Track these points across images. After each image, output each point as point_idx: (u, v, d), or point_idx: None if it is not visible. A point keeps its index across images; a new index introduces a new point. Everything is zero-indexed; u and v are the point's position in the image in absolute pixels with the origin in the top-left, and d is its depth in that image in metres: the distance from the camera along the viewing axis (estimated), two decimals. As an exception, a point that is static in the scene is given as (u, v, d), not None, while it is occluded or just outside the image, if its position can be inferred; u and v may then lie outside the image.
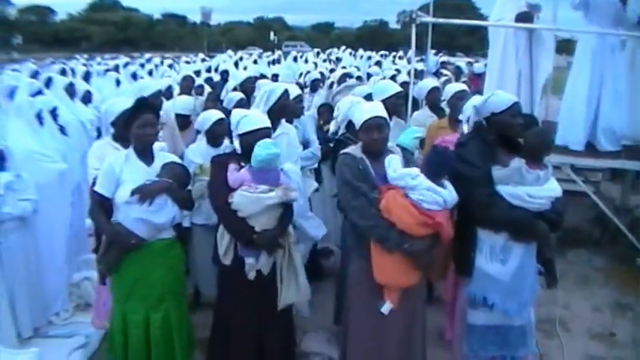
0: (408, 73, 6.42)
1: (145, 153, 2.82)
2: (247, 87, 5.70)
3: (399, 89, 3.88)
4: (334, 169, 2.87)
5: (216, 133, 3.64)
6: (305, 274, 2.95)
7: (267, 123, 2.90)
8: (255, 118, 2.88)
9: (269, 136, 2.88)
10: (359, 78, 7.72)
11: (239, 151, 2.90)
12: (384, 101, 3.37)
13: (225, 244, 2.81)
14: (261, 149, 2.75)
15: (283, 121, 3.42)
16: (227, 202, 2.73)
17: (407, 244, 2.51)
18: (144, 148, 2.81)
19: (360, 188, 2.60)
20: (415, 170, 2.60)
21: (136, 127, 2.74)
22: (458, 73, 9.64)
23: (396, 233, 2.52)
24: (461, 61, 14.36)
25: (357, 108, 2.81)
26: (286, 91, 3.38)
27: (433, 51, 11.62)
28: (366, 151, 2.74)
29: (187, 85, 5.52)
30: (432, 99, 4.71)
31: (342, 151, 2.80)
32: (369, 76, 8.45)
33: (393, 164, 2.62)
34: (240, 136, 2.88)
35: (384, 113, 2.74)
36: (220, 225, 2.84)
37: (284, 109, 3.36)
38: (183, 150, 3.93)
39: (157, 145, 2.89)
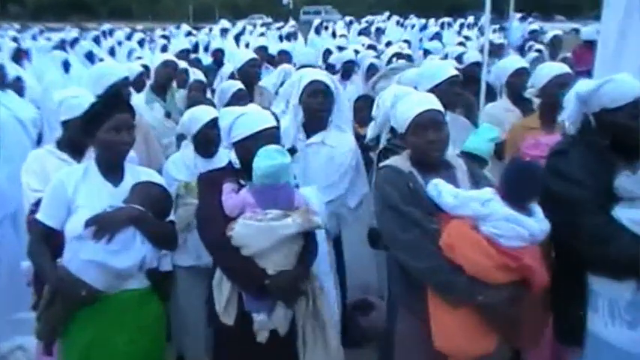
0: (481, 50, 6.45)
1: (114, 168, 2.93)
2: (249, 73, 5.85)
3: (453, 72, 3.95)
4: (376, 188, 2.92)
5: (209, 139, 3.75)
6: (337, 334, 3.01)
7: (272, 121, 3.00)
8: (254, 116, 2.98)
9: (278, 141, 2.97)
10: (410, 58, 7.82)
11: (236, 164, 2.98)
12: (431, 91, 3.46)
13: (225, 296, 2.88)
14: (262, 159, 2.83)
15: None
16: (224, 236, 2.80)
17: (480, 296, 2.53)
18: (114, 162, 2.91)
19: (410, 215, 2.65)
20: (487, 192, 2.64)
21: (105, 131, 2.84)
22: (555, 46, 9.51)
23: (465, 280, 2.54)
24: (561, 28, 14.02)
25: (402, 102, 2.89)
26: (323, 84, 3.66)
27: (518, 15, 11.58)
28: (418, 161, 2.79)
29: (167, 75, 5.68)
30: (516, 86, 4.75)
31: (383, 164, 2.86)
32: (426, 53, 8.57)
33: (442, 188, 2.68)
34: (237, 144, 2.97)
35: (439, 106, 2.81)
36: (217, 268, 2.92)
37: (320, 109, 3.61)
38: (162, 162, 4.07)
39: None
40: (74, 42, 11.55)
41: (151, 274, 2.95)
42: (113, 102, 2.91)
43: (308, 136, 3.76)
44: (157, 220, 2.92)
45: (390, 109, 3.61)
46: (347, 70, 7.66)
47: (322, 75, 3.82)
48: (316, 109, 3.72)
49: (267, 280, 2.79)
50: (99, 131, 2.82)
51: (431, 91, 3.44)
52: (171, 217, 3.09)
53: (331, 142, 3.74)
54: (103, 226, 2.74)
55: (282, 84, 6.71)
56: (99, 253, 2.72)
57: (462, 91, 4.36)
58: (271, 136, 2.95)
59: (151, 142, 4.35)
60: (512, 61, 5.04)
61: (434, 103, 2.81)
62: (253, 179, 2.86)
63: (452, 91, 3.88)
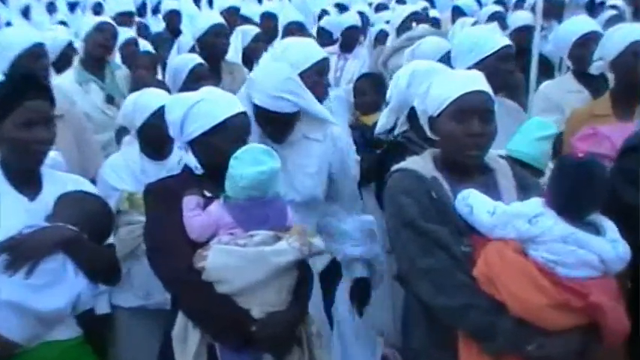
0: (532, 9, 6.49)
1: (27, 176, 2.93)
2: (214, 44, 5.93)
3: (504, 42, 3.97)
4: (381, 201, 2.98)
5: (159, 135, 3.71)
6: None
7: (239, 105, 3.04)
8: (215, 101, 3.00)
9: (247, 133, 3.02)
10: (434, 23, 7.84)
11: (197, 168, 3.01)
12: (474, 68, 3.48)
13: (191, 351, 2.83)
14: (246, 164, 2.84)
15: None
16: (191, 268, 2.81)
17: (531, 346, 2.55)
18: (26, 168, 2.92)
19: (434, 235, 2.68)
20: (536, 204, 2.65)
21: (11, 126, 2.83)
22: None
23: (509, 323, 2.56)
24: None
25: (440, 78, 2.91)
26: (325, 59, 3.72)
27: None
28: (447, 161, 2.82)
29: (103, 43, 5.60)
30: (583, 58, 4.77)
31: (397, 167, 2.88)
32: (455, 13, 8.60)
33: (475, 202, 2.69)
34: (195, 142, 2.99)
35: (488, 87, 2.83)
36: (178, 313, 2.91)
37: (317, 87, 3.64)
38: (99, 166, 4.04)
39: (47, 159, 3.00)
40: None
41: (84, 319, 2.96)
42: (20, 84, 2.90)
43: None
44: (94, 243, 2.94)
45: (407, 90, 3.68)
46: (349, 39, 7.72)
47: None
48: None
49: (254, 326, 2.81)
50: (2, 126, 2.82)
51: (471, 69, 3.48)
52: (110, 239, 3.12)
53: (314, 134, 3.75)
54: (20, 253, 2.73)
55: (249, 58, 6.84)
56: (15, 291, 2.71)
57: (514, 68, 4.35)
58: (243, 126, 2.99)
59: (85, 140, 4.37)
60: (578, 24, 5.05)
61: (484, 84, 2.83)
62: (230, 191, 2.88)
63: (502, 70, 3.91)
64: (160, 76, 6.18)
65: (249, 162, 2.83)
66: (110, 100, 5.39)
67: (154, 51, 6.50)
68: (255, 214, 2.86)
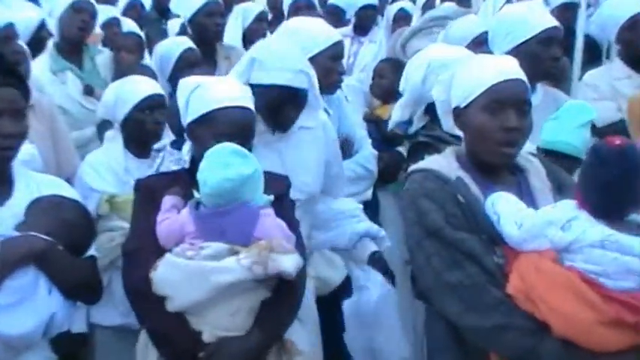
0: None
1: None
2: (205, 25, 5.90)
3: (548, 23, 3.94)
4: (407, 203, 2.91)
5: (145, 129, 3.80)
6: None
7: (243, 99, 3.04)
8: (214, 88, 3.02)
9: (250, 127, 3.02)
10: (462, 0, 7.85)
11: (184, 161, 3.08)
12: (512, 54, 3.45)
13: None
14: (210, 168, 2.83)
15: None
16: (148, 279, 2.87)
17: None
18: None
19: (462, 245, 2.67)
20: (568, 206, 2.62)
21: None
22: None
23: (553, 345, 2.55)
24: None
25: (469, 65, 2.90)
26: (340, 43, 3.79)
27: None
28: (475, 161, 2.82)
29: (80, 25, 5.53)
30: (631, 42, 4.78)
31: (416, 167, 2.87)
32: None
33: (502, 210, 2.67)
34: (188, 130, 3.05)
35: (523, 75, 2.82)
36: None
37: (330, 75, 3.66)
38: (77, 165, 4.09)
39: (25, 151, 3.06)
40: None
41: (59, 342, 2.96)
42: None
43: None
44: (71, 255, 2.92)
45: (422, 86, 3.68)
46: (364, 19, 7.67)
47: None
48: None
49: (203, 351, 2.84)
50: None
51: (510, 54, 3.43)
52: (92, 251, 3.10)
53: (306, 121, 3.72)
54: None
55: (250, 42, 6.77)
56: None
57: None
58: (237, 122, 2.97)
59: (59, 134, 4.36)
60: (625, 3, 5.00)
61: (519, 72, 2.82)
62: (201, 195, 2.89)
63: (545, 56, 3.88)
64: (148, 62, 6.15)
65: (217, 165, 2.82)
66: (89, 90, 5.37)
67: (139, 32, 6.46)
68: (212, 225, 2.87)
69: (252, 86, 3.34)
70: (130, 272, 2.95)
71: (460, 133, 2.94)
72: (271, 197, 3.00)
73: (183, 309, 2.83)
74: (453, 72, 2.97)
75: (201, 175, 2.83)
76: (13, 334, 2.74)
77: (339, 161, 3.96)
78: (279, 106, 3.51)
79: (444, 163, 2.83)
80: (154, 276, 2.81)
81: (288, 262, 2.87)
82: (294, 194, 3.40)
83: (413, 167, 2.90)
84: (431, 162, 2.87)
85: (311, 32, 3.97)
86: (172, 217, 2.90)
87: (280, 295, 2.95)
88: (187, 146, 3.10)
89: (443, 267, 2.67)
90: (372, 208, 4.54)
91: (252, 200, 2.91)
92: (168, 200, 2.93)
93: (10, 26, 4.25)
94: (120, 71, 4.98)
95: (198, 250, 2.82)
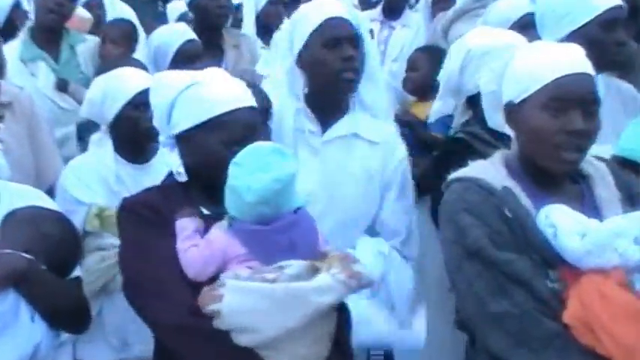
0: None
1: None
2: (209, 9, 6.00)
3: (610, 2, 3.92)
4: (445, 218, 2.96)
5: (139, 129, 3.83)
6: None
7: (247, 97, 3.06)
8: (216, 86, 3.03)
9: (258, 129, 3.03)
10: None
11: (179, 174, 3.09)
12: (567, 40, 3.49)
13: None
14: (253, 171, 2.83)
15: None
16: (197, 312, 2.80)
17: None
18: None
19: (510, 268, 2.69)
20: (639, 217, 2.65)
21: None
22: None
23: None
24: None
25: (518, 55, 2.93)
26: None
27: None
28: (529, 167, 2.84)
29: (58, 8, 5.52)
30: None
31: (456, 175, 2.90)
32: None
33: (560, 223, 2.67)
34: (182, 138, 3.03)
35: (591, 70, 2.84)
36: None
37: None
38: (59, 172, 4.11)
39: None
40: None
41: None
42: None
43: (324, 126, 3.82)
44: (55, 276, 2.96)
45: (459, 76, 3.77)
46: (394, 1, 7.65)
47: (340, 6, 3.83)
48: (344, 69, 3.71)
49: None
50: None
51: (566, 41, 3.45)
52: (77, 271, 3.15)
53: (370, 133, 3.79)
54: None
55: (265, 27, 6.88)
56: None
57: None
58: (248, 125, 2.98)
59: (40, 136, 4.43)
60: None
61: (587, 65, 2.83)
62: (234, 209, 2.88)
63: (608, 41, 3.87)
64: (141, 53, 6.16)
65: (257, 168, 2.82)
66: (62, 86, 5.41)
67: (132, 18, 6.49)
68: (276, 241, 2.86)
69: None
70: (163, 306, 2.85)
71: (510, 133, 2.94)
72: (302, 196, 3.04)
73: (264, 343, 2.79)
74: (506, 60, 2.96)
75: (241, 183, 2.81)
76: None
77: (404, 195, 3.93)
78: (331, 94, 3.72)
79: (490, 170, 2.83)
80: (222, 307, 2.74)
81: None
82: (326, 214, 3.51)
83: (453, 175, 2.88)
84: (474, 169, 2.86)
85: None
86: (201, 243, 2.88)
87: (344, 315, 2.99)
88: (176, 156, 3.08)
89: (487, 293, 2.68)
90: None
91: (296, 204, 2.93)
92: (186, 224, 2.91)
93: None
94: (103, 66, 4.89)
95: (279, 271, 2.79)
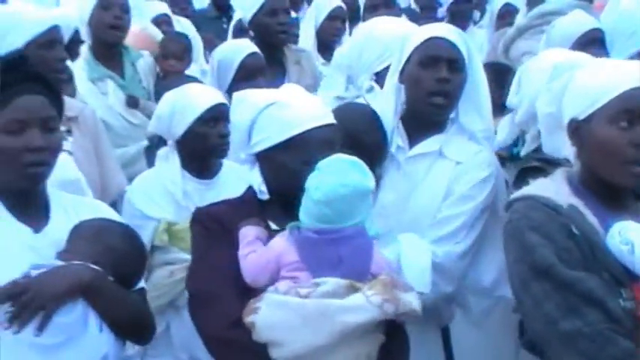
0: None
1: (29, 199, 3.01)
2: (268, 26, 5.96)
3: None
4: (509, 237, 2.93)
5: (208, 145, 3.87)
6: None
7: (327, 115, 3.07)
8: (296, 105, 3.04)
9: (336, 146, 3.02)
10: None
11: (261, 192, 3.06)
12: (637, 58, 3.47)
13: None
14: (327, 173, 2.86)
15: None
16: (238, 324, 2.85)
17: None
18: (21, 186, 2.98)
19: (580, 286, 2.66)
20: None
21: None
22: None
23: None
24: None
25: (581, 72, 2.90)
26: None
27: None
28: (593, 185, 2.82)
29: (113, 24, 5.54)
30: None
31: (520, 194, 2.89)
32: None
33: (636, 236, 2.64)
34: (262, 156, 3.06)
35: None
36: None
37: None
38: (122, 185, 4.22)
39: (61, 175, 3.11)
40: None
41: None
42: (10, 74, 2.93)
43: (412, 142, 3.79)
44: (121, 287, 2.98)
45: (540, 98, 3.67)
46: (457, 15, 7.68)
47: (449, 29, 3.82)
48: (436, 93, 3.67)
49: None
50: None
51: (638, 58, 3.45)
52: (142, 283, 3.17)
53: (456, 153, 3.74)
54: (28, 302, 2.74)
55: (323, 43, 6.88)
56: (20, 353, 2.74)
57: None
58: (327, 143, 2.99)
59: (103, 150, 4.45)
60: None
61: None
62: (302, 211, 2.90)
63: None
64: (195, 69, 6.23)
65: (332, 172, 2.86)
66: (133, 102, 5.45)
67: (194, 34, 6.54)
68: (325, 253, 2.87)
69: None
70: (207, 316, 2.94)
71: (569, 155, 2.93)
72: (378, 229, 3.03)
73: (295, 356, 2.82)
74: (565, 78, 2.94)
75: (311, 182, 2.86)
76: None
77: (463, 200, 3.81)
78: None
79: (552, 188, 2.82)
80: (257, 320, 2.80)
81: (415, 300, 2.90)
82: (399, 227, 3.53)
83: (515, 195, 2.89)
84: (537, 187, 2.86)
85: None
86: (260, 249, 2.91)
87: (397, 340, 2.96)
88: (256, 173, 3.09)
89: (557, 313, 2.65)
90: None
91: (362, 223, 2.92)
92: (249, 232, 2.95)
93: (54, 29, 4.28)
94: (164, 83, 5.04)
95: (313, 287, 2.82)
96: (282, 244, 2.90)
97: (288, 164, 2.96)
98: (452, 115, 3.80)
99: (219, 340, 2.92)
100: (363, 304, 2.80)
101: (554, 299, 2.67)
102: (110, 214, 3.20)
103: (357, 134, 3.37)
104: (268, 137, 3.01)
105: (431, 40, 3.68)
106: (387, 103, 3.80)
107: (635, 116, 2.70)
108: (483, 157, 3.76)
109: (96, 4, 5.64)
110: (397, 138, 3.76)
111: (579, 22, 4.61)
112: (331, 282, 2.83)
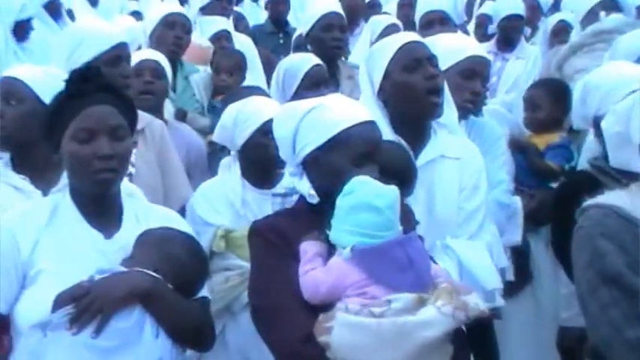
0: None
1: (101, 205, 3.05)
2: (323, 40, 6.04)
3: None
4: (561, 250, 2.97)
5: (267, 155, 3.84)
6: None
7: (365, 113, 3.10)
8: (334, 107, 3.05)
9: (380, 142, 3.06)
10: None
11: (311, 196, 3.06)
12: None
13: None
14: (368, 186, 2.85)
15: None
16: (310, 339, 2.82)
17: None
18: (92, 192, 3.03)
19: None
20: None
21: (69, 137, 2.95)
22: None
23: None
24: None
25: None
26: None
27: None
28: None
29: (174, 41, 5.77)
30: None
31: (593, 202, 2.86)
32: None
33: None
34: (308, 162, 3.04)
35: None
36: None
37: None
38: (187, 197, 4.25)
39: (127, 187, 3.14)
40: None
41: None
42: (81, 86, 2.99)
43: (415, 151, 3.81)
44: (181, 296, 3.01)
45: (581, 108, 3.79)
46: (508, 32, 7.63)
47: (410, 34, 3.95)
48: (431, 91, 3.74)
49: None
50: (62, 142, 2.97)
51: None
52: (204, 291, 3.18)
53: (453, 151, 3.84)
54: (88, 305, 2.79)
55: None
56: (80, 354, 2.77)
57: None
58: (369, 139, 3.01)
59: (169, 161, 4.50)
60: None
61: None
62: (335, 224, 2.88)
63: None
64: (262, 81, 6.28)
65: (370, 188, 2.86)
66: (181, 115, 5.53)
67: (251, 46, 6.64)
68: (394, 256, 2.84)
69: None
70: (278, 332, 2.91)
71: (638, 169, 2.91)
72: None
73: None
74: (633, 100, 2.95)
75: (362, 196, 2.85)
76: None
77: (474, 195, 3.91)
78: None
79: (627, 199, 2.78)
80: (332, 340, 2.76)
81: (480, 301, 2.90)
82: (428, 232, 3.49)
83: (591, 201, 2.84)
84: (612, 197, 2.82)
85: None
86: (320, 266, 2.89)
87: (462, 348, 2.95)
88: (305, 181, 3.08)
89: (623, 320, 2.63)
90: (522, 255, 4.56)
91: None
92: (308, 247, 2.92)
93: (121, 46, 4.34)
94: (232, 94, 5.08)
95: (386, 305, 2.77)
96: (342, 265, 2.86)
97: (334, 163, 2.95)
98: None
99: (293, 355, 2.89)
100: (437, 317, 2.76)
101: (621, 306, 2.64)
102: (180, 223, 3.23)
103: (392, 168, 3.30)
104: (313, 140, 3.00)
105: (406, 46, 3.76)
106: (380, 124, 3.68)
107: None
108: (471, 148, 3.91)
109: (161, 20, 5.80)
110: None
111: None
112: (403, 298, 2.78)
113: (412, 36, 3.88)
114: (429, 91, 3.69)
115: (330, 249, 2.92)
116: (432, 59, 3.73)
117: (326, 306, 2.85)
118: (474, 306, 2.84)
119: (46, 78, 3.49)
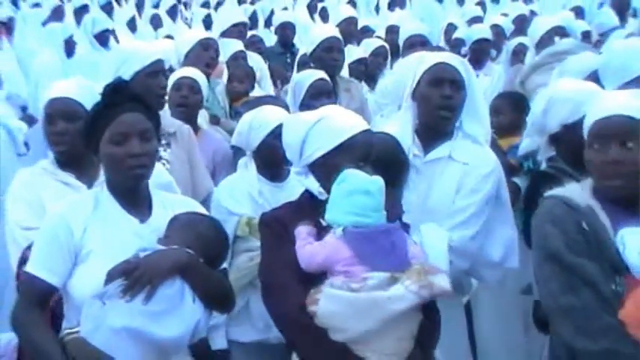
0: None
1: (134, 196, 3.11)
2: (324, 60, 6.12)
3: None
4: (527, 237, 3.02)
5: (276, 155, 3.85)
6: None
7: (362, 123, 3.14)
8: (338, 118, 3.12)
9: (372, 151, 3.09)
10: (586, 36, 7.77)
11: (321, 193, 3.10)
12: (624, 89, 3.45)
13: None
14: (359, 177, 2.91)
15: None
16: (304, 310, 2.91)
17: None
18: (127, 185, 3.08)
19: (579, 270, 2.70)
20: None
21: (106, 140, 3.00)
22: None
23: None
24: None
25: (596, 99, 2.97)
26: None
27: None
28: (609, 194, 2.82)
29: (209, 62, 5.87)
30: None
31: (551, 193, 2.94)
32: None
33: (628, 239, 2.67)
34: (316, 164, 3.10)
35: (635, 111, 2.82)
36: (292, 351, 3.09)
37: None
38: (210, 188, 4.33)
39: (157, 179, 3.19)
40: (81, 10, 11.05)
41: (197, 349, 3.10)
42: (115, 96, 3.06)
43: (426, 149, 3.86)
44: (209, 268, 3.07)
45: (542, 117, 3.78)
46: (478, 53, 7.73)
47: (451, 57, 3.92)
48: (442, 107, 3.75)
49: None
50: (101, 142, 3.01)
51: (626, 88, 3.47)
52: (224, 264, 3.28)
53: (463, 156, 3.82)
54: (138, 277, 2.86)
55: (369, 75, 7.00)
56: (133, 317, 2.83)
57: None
58: (367, 144, 3.07)
59: (195, 160, 4.56)
60: None
61: (629, 106, 2.81)
62: (331, 209, 2.95)
63: None
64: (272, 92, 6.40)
65: (362, 177, 2.92)
66: (215, 120, 5.61)
67: (263, 65, 6.73)
68: (380, 242, 2.90)
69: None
70: (277, 302, 3.06)
71: None
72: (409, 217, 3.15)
73: (351, 339, 2.88)
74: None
75: (357, 182, 2.91)
76: (165, 338, 2.86)
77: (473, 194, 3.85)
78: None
79: (577, 191, 2.87)
80: (318, 310, 2.87)
81: (445, 281, 2.94)
82: (419, 221, 3.56)
83: (549, 193, 2.94)
84: (565, 189, 2.91)
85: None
86: (313, 246, 2.96)
87: (431, 316, 3.01)
88: (313, 180, 3.14)
89: (559, 290, 2.73)
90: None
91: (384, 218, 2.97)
92: (303, 230, 3.01)
93: (158, 62, 4.43)
94: (249, 103, 5.15)
95: (363, 282, 2.85)
96: (334, 242, 2.92)
97: (340, 164, 2.99)
98: (457, 125, 3.85)
99: (288, 321, 3.02)
100: (404, 294, 2.84)
101: (559, 279, 2.74)
102: (198, 208, 3.30)
103: (386, 159, 3.37)
104: (322, 145, 3.07)
105: (437, 65, 3.78)
106: (405, 119, 3.89)
107: (605, 139, 2.79)
108: (485, 156, 3.86)
109: (197, 43, 5.89)
110: (414, 147, 3.82)
111: (590, 60, 4.56)
112: (376, 276, 2.86)
113: (446, 57, 3.89)
114: (441, 106, 3.73)
115: (321, 232, 3.00)
116: (454, 82, 3.74)
117: (317, 282, 2.92)
118: (439, 285, 2.90)
119: (92, 96, 3.52)
